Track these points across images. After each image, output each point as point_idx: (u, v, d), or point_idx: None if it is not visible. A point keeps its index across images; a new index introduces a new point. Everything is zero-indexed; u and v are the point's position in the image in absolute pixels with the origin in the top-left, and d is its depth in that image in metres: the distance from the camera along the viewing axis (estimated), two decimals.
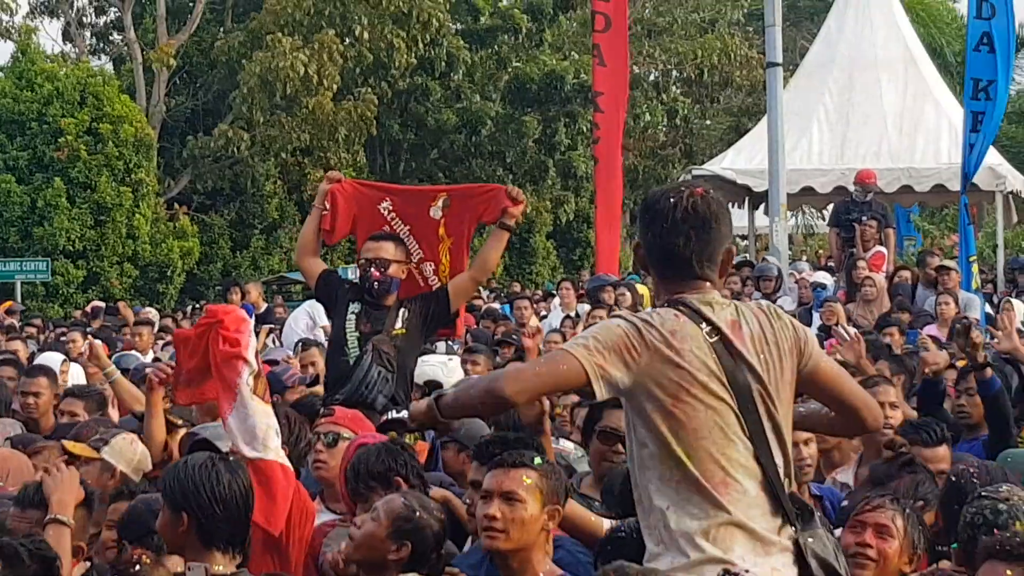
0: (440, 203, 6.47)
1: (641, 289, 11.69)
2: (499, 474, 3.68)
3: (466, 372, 7.14)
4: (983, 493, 3.88)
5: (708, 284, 3.26)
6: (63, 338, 12.29)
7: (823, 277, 13.83)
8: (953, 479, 4.22)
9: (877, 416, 3.50)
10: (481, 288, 14.80)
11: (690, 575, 3.11)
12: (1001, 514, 3.75)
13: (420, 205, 6.53)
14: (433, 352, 8.55)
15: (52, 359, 9.09)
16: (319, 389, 7.04)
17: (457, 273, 6.43)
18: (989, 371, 5.44)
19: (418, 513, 3.88)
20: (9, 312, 16.99)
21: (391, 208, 6.53)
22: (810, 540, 3.21)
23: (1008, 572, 3.27)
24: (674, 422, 3.13)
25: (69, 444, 4.72)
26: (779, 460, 3.22)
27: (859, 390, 3.46)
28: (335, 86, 25.70)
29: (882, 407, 5.35)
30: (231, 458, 4.18)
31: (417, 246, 6.51)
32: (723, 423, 3.15)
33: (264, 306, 15.14)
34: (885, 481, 4.42)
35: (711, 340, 3.17)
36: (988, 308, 12.50)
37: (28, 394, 6.97)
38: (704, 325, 3.18)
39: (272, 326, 12.69)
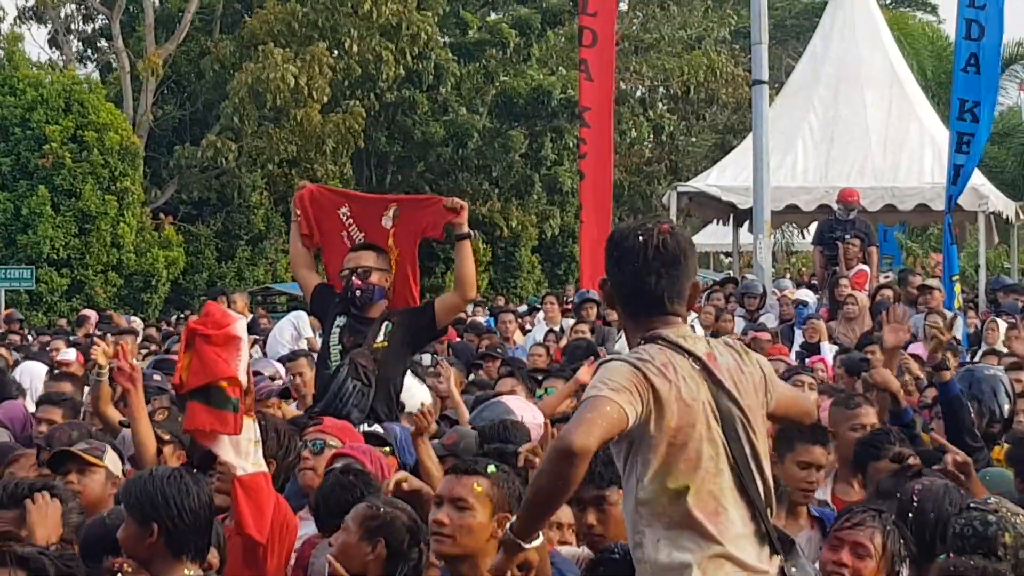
0: (391, 213, 6.47)
1: None
2: (451, 480, 3.71)
3: (431, 387, 7.03)
4: (972, 505, 3.88)
5: (678, 319, 3.32)
6: (47, 347, 12.27)
7: (805, 295, 13.90)
8: (898, 496, 4.25)
9: (811, 417, 3.79)
10: None
11: None
12: (991, 525, 3.74)
13: (374, 213, 6.54)
14: (419, 363, 8.52)
15: (35, 369, 9.08)
16: (291, 409, 7.01)
17: (400, 287, 6.42)
18: (947, 374, 5.45)
19: (383, 509, 3.92)
20: (8, 320, 16.99)
21: (349, 214, 6.55)
22: (794, 570, 3.26)
23: None
24: (674, 451, 3.16)
25: (82, 455, 4.73)
26: (761, 488, 3.25)
27: (802, 407, 3.66)
28: (324, 98, 25.73)
29: (863, 429, 5.43)
30: (220, 472, 4.24)
31: None
32: (713, 453, 3.19)
33: (250, 316, 15.15)
34: (895, 492, 4.42)
35: (696, 368, 3.22)
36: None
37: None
38: (687, 355, 3.23)
39: (256, 337, 12.70)
